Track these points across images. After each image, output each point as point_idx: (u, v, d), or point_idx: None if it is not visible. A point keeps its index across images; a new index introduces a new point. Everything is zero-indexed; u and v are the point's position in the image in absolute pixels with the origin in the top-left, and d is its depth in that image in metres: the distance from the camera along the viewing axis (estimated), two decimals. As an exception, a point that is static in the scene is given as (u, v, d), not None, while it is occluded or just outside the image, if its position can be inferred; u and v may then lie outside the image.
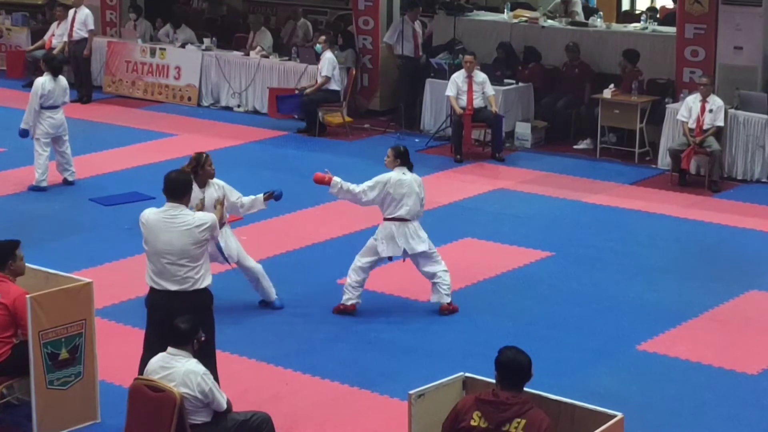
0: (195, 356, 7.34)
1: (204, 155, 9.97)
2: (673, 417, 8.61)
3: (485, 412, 6.09)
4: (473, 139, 16.67)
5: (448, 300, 10.50)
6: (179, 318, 7.31)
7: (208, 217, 8.27)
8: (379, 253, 10.40)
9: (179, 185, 8.21)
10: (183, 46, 19.72)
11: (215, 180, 10.13)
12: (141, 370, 7.82)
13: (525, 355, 6.24)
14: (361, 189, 10.43)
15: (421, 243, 10.38)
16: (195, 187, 9.19)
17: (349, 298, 10.52)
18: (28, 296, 7.92)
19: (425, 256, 10.44)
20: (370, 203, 10.48)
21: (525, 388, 6.32)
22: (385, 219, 10.43)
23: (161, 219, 8.14)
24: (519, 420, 6.02)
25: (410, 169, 10.48)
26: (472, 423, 6.11)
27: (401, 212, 10.31)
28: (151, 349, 7.86)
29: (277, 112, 17.67)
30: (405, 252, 10.39)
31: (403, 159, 10.45)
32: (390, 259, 10.53)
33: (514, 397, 6.09)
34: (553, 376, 8.96)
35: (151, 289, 8.21)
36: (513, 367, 6.13)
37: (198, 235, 8.06)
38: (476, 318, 10.45)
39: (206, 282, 8.15)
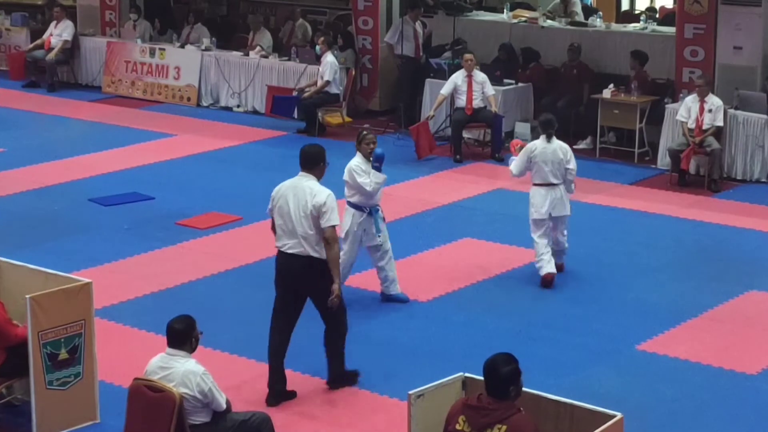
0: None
1: (363, 132, 10.36)
2: (672, 417, 8.61)
3: (469, 416, 6.09)
4: (473, 140, 16.68)
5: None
6: (175, 318, 7.31)
7: (325, 195, 8.62)
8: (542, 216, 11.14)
9: (309, 156, 8.86)
10: (182, 46, 19.72)
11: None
12: (271, 341, 8.75)
13: (509, 365, 6.11)
14: (514, 168, 11.35)
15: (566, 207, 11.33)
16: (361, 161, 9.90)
17: (541, 267, 11.14)
18: (27, 296, 7.92)
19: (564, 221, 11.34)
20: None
21: (524, 388, 6.31)
22: (534, 185, 11.26)
23: (291, 185, 8.77)
24: (500, 426, 6.00)
25: (549, 138, 11.31)
26: (458, 427, 6.12)
27: (549, 177, 11.16)
28: (277, 310, 8.78)
29: (271, 112, 17.71)
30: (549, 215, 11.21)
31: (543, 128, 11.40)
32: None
33: (496, 403, 6.05)
34: (552, 376, 8.97)
35: (278, 251, 8.74)
36: (494, 374, 6.10)
37: (312, 206, 8.56)
38: (476, 318, 10.45)
39: (322, 253, 8.60)
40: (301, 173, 8.83)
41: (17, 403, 8.45)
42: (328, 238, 8.58)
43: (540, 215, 11.17)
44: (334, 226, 8.60)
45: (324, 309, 8.76)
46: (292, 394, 8.87)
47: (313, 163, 8.81)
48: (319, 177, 8.81)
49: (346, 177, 10.33)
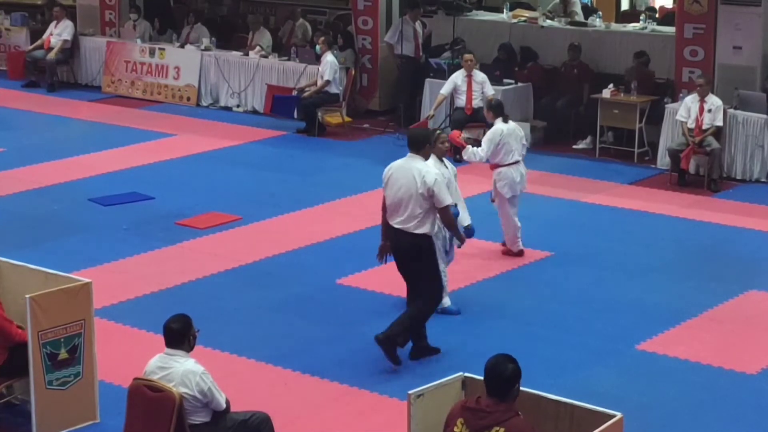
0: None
1: (436, 132, 10.34)
2: (672, 417, 8.62)
3: (467, 419, 6.09)
4: (472, 140, 16.64)
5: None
6: (171, 318, 7.31)
7: (432, 177, 9.14)
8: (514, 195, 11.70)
9: (416, 138, 9.46)
10: (182, 46, 19.72)
11: (446, 161, 10.26)
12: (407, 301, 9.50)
13: (511, 363, 6.10)
14: (484, 153, 11.72)
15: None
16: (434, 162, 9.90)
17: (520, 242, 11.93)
18: (27, 296, 7.92)
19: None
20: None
21: (524, 388, 6.31)
22: (501, 165, 11.70)
23: (400, 166, 9.33)
24: (498, 428, 5.99)
25: (506, 120, 11.81)
26: (456, 429, 6.11)
27: (516, 155, 11.72)
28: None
29: (271, 112, 17.72)
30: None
31: (497, 112, 11.80)
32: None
33: (495, 405, 6.04)
34: (552, 376, 8.97)
35: (390, 226, 9.41)
36: (494, 375, 6.09)
37: (419, 183, 9.12)
38: (476, 318, 10.45)
39: (425, 230, 9.23)
40: (409, 154, 9.36)
41: (17, 402, 8.44)
42: (443, 218, 9.35)
43: (515, 192, 11.78)
44: (447, 206, 9.26)
45: (422, 283, 9.41)
46: (436, 350, 9.58)
47: (421, 144, 9.37)
48: (426, 157, 9.38)
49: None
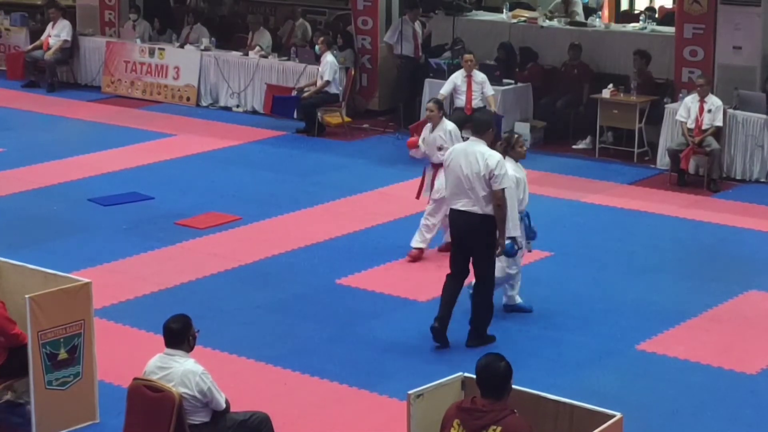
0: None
1: (515, 136, 10.34)
2: (672, 417, 8.61)
3: (463, 419, 6.09)
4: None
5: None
6: (170, 318, 7.31)
7: (496, 160, 9.43)
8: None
9: (479, 124, 9.88)
10: (182, 46, 19.71)
11: (520, 164, 10.27)
12: (446, 286, 9.69)
13: (503, 361, 6.15)
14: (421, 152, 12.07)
15: None
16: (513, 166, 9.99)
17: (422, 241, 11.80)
18: (27, 296, 7.91)
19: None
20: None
21: (523, 388, 6.31)
22: (435, 164, 11.66)
23: (463, 150, 9.67)
24: (495, 427, 6.00)
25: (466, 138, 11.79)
26: (452, 431, 6.12)
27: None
28: (451, 261, 9.76)
29: (271, 112, 17.72)
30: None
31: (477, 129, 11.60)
32: None
33: (490, 404, 6.06)
34: (552, 376, 8.98)
35: (450, 209, 9.74)
36: (487, 375, 6.10)
37: (481, 166, 9.40)
38: (475, 318, 10.44)
39: (490, 211, 9.45)
40: (471, 138, 9.77)
41: (21, 401, 8.43)
42: (498, 199, 9.42)
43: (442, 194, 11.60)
44: (504, 189, 9.41)
45: (482, 262, 9.61)
46: (447, 343, 9.69)
47: (484, 129, 9.72)
48: (488, 142, 9.66)
49: None
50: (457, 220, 9.67)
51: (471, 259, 9.62)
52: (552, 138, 16.78)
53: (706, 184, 14.66)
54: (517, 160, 10.16)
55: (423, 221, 11.77)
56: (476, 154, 9.48)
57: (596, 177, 15.03)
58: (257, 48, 19.02)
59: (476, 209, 9.47)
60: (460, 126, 15.80)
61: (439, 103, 12.13)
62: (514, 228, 9.74)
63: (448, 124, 11.87)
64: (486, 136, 9.69)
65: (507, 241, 9.64)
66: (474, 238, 9.58)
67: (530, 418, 6.19)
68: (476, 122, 10.03)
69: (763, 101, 14.82)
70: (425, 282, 11.19)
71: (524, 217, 10.20)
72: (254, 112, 18.68)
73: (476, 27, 18.28)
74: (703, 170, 14.86)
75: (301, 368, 9.31)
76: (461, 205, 9.55)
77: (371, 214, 13.18)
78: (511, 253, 9.90)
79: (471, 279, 9.83)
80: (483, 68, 16.11)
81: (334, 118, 17.52)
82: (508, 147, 10.16)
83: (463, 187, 9.50)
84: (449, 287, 9.73)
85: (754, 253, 12.29)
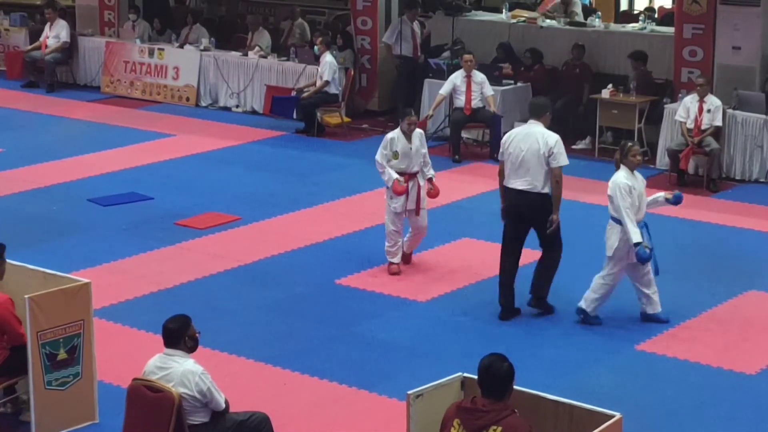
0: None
1: (628, 144, 10.21)
2: (671, 417, 8.61)
3: (463, 419, 6.09)
4: (472, 140, 16.69)
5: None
6: (169, 318, 7.30)
7: (554, 139, 10.04)
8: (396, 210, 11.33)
9: (537, 106, 10.46)
10: (181, 46, 19.72)
11: (637, 173, 10.15)
12: (503, 263, 10.35)
13: (505, 362, 6.14)
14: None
15: None
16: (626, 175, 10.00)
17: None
18: (26, 296, 7.91)
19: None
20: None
21: (523, 388, 6.30)
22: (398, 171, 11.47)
23: (522, 132, 10.24)
24: (495, 427, 6.00)
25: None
26: (453, 431, 6.12)
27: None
28: (507, 238, 10.33)
29: (270, 112, 17.72)
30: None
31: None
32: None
33: (491, 404, 6.06)
34: (551, 376, 8.97)
35: (506, 188, 10.24)
36: (489, 375, 6.10)
37: (543, 146, 10.00)
38: (475, 318, 10.45)
39: (547, 190, 10.05)
40: (530, 121, 10.30)
41: (24, 396, 8.43)
42: (556, 176, 10.01)
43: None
44: (561, 167, 10.02)
45: (545, 236, 10.23)
46: (518, 311, 10.39)
47: (542, 112, 10.28)
48: (545, 124, 10.21)
49: (610, 192, 10.01)
50: (516, 199, 10.17)
51: (525, 237, 10.30)
52: (551, 138, 16.75)
53: (705, 184, 14.67)
54: (632, 170, 9.99)
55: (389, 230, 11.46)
56: (536, 135, 10.05)
57: (596, 177, 14.99)
58: (257, 48, 19.02)
59: (534, 188, 10.04)
60: (463, 124, 15.94)
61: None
62: (634, 235, 9.76)
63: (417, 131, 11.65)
64: (544, 119, 10.22)
65: (637, 247, 9.79)
66: (534, 214, 10.16)
67: (530, 418, 6.19)
68: (534, 106, 10.50)
69: (763, 101, 14.82)
70: (425, 282, 11.20)
71: (642, 227, 10.02)
72: (254, 112, 18.68)
73: (476, 27, 18.29)
74: (702, 170, 14.86)
75: (301, 368, 9.30)
76: (519, 184, 10.10)
77: (371, 214, 13.17)
78: (644, 257, 9.85)
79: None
80: (481, 69, 16.08)
81: (333, 118, 17.52)
82: (621, 156, 10.04)
83: (524, 167, 10.04)
84: (506, 263, 10.35)
85: (754, 253, 12.29)
